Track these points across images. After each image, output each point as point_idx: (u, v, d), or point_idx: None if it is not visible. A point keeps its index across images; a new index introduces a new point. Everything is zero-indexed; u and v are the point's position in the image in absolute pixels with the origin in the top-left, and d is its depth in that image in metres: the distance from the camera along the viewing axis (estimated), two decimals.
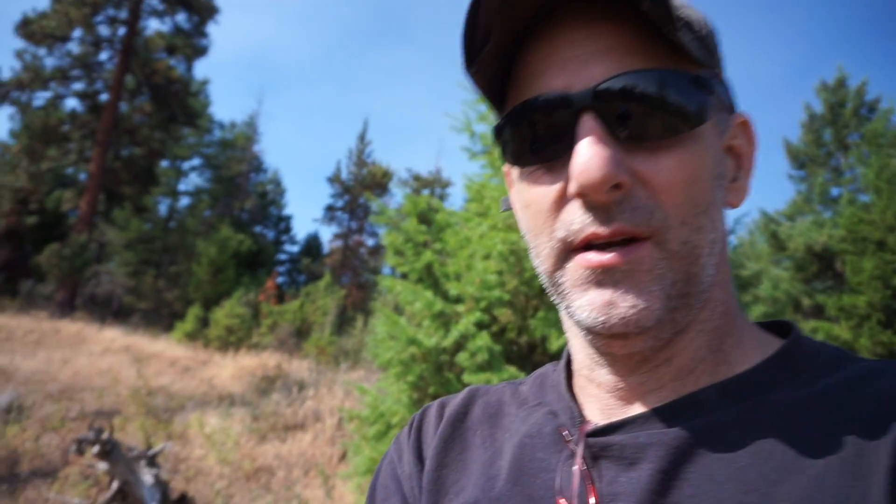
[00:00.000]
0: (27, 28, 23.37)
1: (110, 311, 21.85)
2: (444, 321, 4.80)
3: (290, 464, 6.78)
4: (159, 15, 25.61)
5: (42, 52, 24.20)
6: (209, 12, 25.75)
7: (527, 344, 5.14)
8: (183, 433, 7.54)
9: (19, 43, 27.43)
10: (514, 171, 0.65)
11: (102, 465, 5.74)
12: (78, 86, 25.27)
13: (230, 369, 12.03)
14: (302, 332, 16.52)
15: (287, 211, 37.50)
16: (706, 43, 0.61)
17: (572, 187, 0.54)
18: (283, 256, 33.21)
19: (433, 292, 5.07)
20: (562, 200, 0.58)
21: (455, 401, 0.80)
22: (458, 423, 0.76)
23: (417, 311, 5.01)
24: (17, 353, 11.36)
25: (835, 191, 15.43)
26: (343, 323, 17.67)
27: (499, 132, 0.63)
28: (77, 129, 24.70)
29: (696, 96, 0.56)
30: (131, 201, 25.34)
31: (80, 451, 5.89)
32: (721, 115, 0.62)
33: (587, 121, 0.54)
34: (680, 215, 0.55)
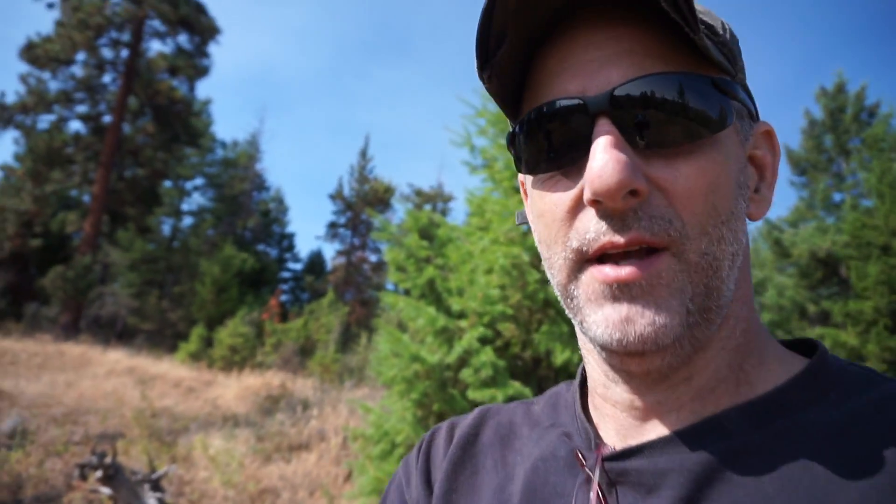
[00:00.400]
0: (31, 52, 23.62)
1: (114, 332, 21.84)
2: (448, 337, 4.77)
3: (295, 485, 6.71)
4: (161, 37, 25.87)
5: (46, 75, 24.46)
6: (210, 33, 25.99)
7: (531, 358, 5.10)
8: (187, 455, 7.49)
9: (24, 67, 27.65)
10: (529, 181, 0.63)
11: (106, 490, 5.69)
12: (81, 108, 25.49)
13: (234, 389, 11.99)
14: (306, 351, 16.48)
15: (290, 229, 37.58)
16: (728, 48, 0.59)
17: (587, 194, 0.52)
18: (286, 274, 33.24)
19: (436, 308, 5.04)
20: (576, 209, 0.55)
21: (465, 422, 0.77)
22: (468, 446, 0.73)
23: (420, 327, 4.98)
24: (22, 376, 11.34)
25: (837, 196, 15.40)
26: (347, 340, 17.62)
27: (512, 140, 0.61)
28: (81, 151, 24.86)
29: (716, 100, 0.54)
30: (135, 222, 25.43)
31: (84, 477, 5.84)
32: (743, 122, 0.60)
33: (603, 126, 0.52)
34: (700, 224, 0.52)
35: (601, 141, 0.51)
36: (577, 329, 0.63)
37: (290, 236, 33.57)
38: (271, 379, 12.63)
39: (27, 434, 7.65)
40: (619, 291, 0.52)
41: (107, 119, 25.21)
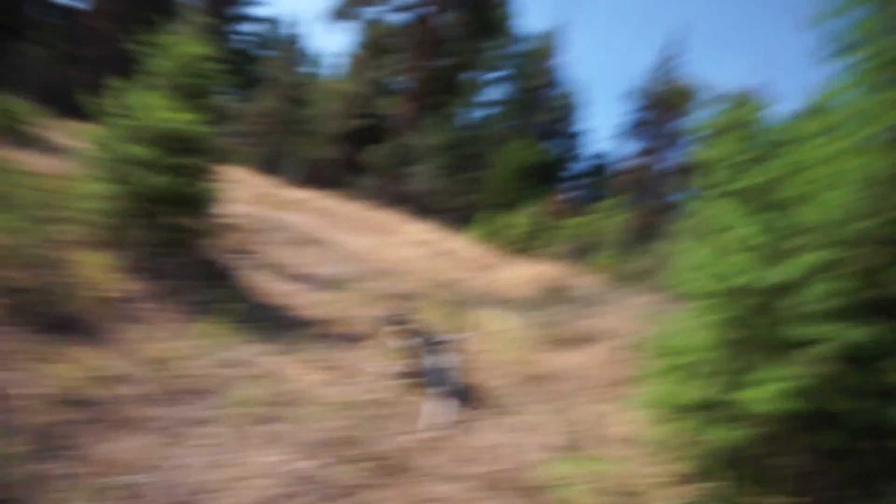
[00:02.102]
0: None
1: (415, 207, 24.36)
2: (774, 255, 4.01)
3: (568, 377, 6.72)
4: None
5: None
6: None
7: (875, 298, 4.06)
8: (472, 327, 8.01)
9: None
10: None
11: (403, 342, 6.31)
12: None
13: (516, 274, 12.45)
14: (588, 248, 16.31)
15: (581, 127, 36.79)
16: None
17: None
18: (572, 172, 33.02)
19: (761, 221, 4.25)
20: None
21: None
22: None
23: (737, 239, 4.28)
24: (342, 233, 13.24)
25: None
26: (632, 243, 16.97)
27: None
28: (401, 40, 27.14)
29: None
30: (440, 110, 27.29)
31: (388, 325, 6.59)
32: None
33: None
34: None
35: None
36: None
37: (581, 134, 32.95)
38: (550, 271, 12.80)
39: (341, 283, 8.92)
40: None
41: (422, 11, 26.91)
